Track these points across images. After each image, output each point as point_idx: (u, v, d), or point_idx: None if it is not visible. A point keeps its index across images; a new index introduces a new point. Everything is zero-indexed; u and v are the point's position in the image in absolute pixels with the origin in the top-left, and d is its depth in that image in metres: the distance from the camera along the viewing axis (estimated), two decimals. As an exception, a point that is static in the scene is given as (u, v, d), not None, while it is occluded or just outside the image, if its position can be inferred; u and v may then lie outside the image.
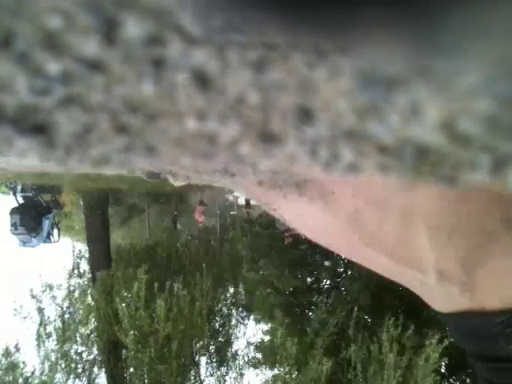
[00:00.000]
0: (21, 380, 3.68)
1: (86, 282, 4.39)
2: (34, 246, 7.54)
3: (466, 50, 0.08)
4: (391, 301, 3.64)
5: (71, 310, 4.16)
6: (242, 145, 0.10)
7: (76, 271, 4.38)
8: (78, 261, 4.42)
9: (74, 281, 4.33)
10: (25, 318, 3.97)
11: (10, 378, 3.64)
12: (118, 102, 0.09)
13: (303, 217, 0.21)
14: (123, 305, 3.62)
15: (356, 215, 0.19)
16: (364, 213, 0.19)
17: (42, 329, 3.93)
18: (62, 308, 4.11)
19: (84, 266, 4.65)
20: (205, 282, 4.05)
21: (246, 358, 4.27)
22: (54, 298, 4.16)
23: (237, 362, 4.28)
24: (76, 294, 4.22)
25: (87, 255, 5.07)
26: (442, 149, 0.10)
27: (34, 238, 7.27)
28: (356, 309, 3.32)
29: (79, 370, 3.98)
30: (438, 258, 0.19)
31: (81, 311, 4.11)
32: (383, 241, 0.19)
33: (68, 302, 4.18)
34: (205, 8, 0.08)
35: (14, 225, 7.00)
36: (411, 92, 0.09)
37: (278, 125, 0.10)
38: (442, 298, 0.21)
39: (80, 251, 4.49)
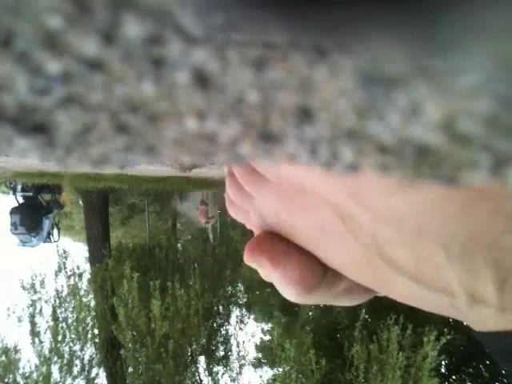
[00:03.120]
0: (19, 378, 3.69)
1: (82, 281, 4.39)
2: (34, 246, 7.55)
3: (466, 49, 0.08)
4: (391, 300, 3.63)
5: (68, 309, 4.16)
6: (242, 144, 0.10)
7: (71, 271, 4.39)
8: (64, 260, 4.42)
9: (73, 280, 4.34)
10: (21, 316, 3.98)
11: (10, 379, 3.65)
12: (118, 102, 0.09)
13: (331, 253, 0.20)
14: (120, 304, 3.63)
15: (375, 238, 0.18)
16: (383, 234, 0.17)
17: (37, 328, 3.93)
18: (59, 307, 4.11)
19: (83, 266, 4.66)
20: (203, 281, 4.05)
21: (245, 358, 4.27)
22: (49, 296, 4.17)
23: (236, 361, 4.28)
24: (73, 293, 4.23)
25: (87, 255, 5.08)
26: (442, 148, 0.10)
27: (34, 237, 7.28)
28: (364, 311, 3.31)
29: (78, 369, 3.99)
30: (461, 278, 0.17)
31: (76, 310, 4.11)
32: (405, 262, 0.17)
33: (65, 301, 4.19)
34: (205, 7, 0.08)
35: (13, 224, 7.01)
36: (411, 91, 0.09)
37: (278, 124, 0.10)
38: (478, 320, 0.19)
39: (64, 250, 4.48)
